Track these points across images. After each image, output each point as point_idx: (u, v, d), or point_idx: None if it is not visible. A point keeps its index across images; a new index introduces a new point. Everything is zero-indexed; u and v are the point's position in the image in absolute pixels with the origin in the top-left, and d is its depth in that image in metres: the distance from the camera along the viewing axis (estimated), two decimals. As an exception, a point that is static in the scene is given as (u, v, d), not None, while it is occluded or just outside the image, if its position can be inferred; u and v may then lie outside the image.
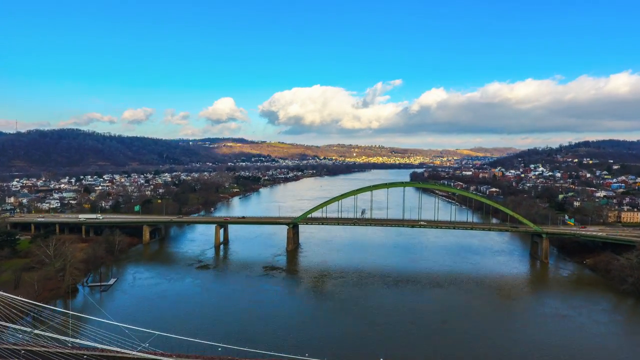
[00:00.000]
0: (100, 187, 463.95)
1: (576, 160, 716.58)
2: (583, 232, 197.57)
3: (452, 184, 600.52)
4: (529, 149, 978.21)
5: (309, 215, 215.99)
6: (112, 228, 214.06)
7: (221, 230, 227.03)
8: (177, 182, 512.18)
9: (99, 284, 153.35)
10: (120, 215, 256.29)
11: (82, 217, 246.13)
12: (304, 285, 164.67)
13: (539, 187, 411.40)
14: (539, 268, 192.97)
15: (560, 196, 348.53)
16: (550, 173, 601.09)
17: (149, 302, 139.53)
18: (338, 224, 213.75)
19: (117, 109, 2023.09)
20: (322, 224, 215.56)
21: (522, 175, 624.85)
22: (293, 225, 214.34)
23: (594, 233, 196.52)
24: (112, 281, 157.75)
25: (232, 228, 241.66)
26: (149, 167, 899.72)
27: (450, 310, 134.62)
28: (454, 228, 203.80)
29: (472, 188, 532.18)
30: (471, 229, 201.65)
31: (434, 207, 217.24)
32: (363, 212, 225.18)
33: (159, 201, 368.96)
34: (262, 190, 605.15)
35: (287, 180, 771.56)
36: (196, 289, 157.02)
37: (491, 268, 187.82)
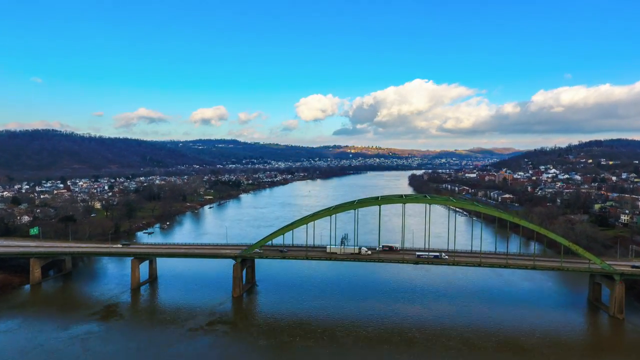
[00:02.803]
0: (45, 196, 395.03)
1: (590, 160, 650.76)
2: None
3: (456, 188, 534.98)
4: (535, 149, 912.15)
5: (269, 242, 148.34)
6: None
7: (143, 266, 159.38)
8: (140, 188, 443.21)
9: None
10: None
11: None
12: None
13: (564, 193, 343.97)
14: (608, 327, 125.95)
15: (597, 206, 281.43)
16: (567, 175, 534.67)
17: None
18: (307, 258, 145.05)
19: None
20: (284, 259, 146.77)
21: (534, 178, 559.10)
22: (242, 259, 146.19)
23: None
24: None
25: (166, 261, 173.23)
26: (128, 170, 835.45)
27: None
28: (480, 265, 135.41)
29: (480, 193, 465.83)
30: (505, 265, 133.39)
31: (438, 221, 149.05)
32: (345, 238, 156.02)
33: (106, 213, 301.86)
34: (244, 196, 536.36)
35: (273, 184, 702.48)
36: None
37: (529, 324, 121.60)
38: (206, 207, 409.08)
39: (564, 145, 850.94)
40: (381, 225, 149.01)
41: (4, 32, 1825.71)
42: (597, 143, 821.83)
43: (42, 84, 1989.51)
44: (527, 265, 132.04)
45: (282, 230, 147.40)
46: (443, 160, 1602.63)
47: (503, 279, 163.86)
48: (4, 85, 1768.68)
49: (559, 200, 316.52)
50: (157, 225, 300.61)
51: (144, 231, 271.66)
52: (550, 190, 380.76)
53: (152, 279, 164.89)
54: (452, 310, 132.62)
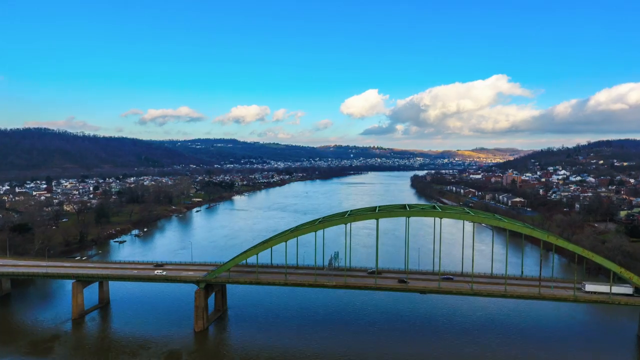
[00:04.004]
0: (20, 198, 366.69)
1: (602, 161, 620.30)
2: None
3: (461, 190, 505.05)
4: (542, 150, 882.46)
5: (243, 261, 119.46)
6: None
7: (92, 289, 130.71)
8: (121, 190, 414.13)
9: None
10: None
11: None
12: None
13: (581, 198, 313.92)
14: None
15: (623, 213, 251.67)
16: (579, 177, 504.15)
17: None
18: (286, 285, 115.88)
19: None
20: (258, 284, 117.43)
21: (543, 179, 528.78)
22: (207, 285, 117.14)
23: None
24: None
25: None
26: (121, 170, 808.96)
27: None
28: (504, 296, 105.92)
29: (487, 197, 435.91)
30: (539, 297, 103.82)
31: (445, 230, 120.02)
32: (334, 258, 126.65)
33: (82, 217, 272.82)
34: (237, 198, 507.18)
35: (269, 185, 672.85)
36: None
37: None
38: (193, 211, 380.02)
39: (571, 146, 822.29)
40: (379, 240, 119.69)
41: (61, 34, 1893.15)
42: (607, 143, 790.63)
43: (66, 83, 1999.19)
44: (567, 297, 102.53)
45: (256, 249, 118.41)
46: (446, 161, 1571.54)
47: (529, 305, 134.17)
48: (32, 83, 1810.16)
49: (577, 206, 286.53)
50: (135, 231, 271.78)
51: (116, 239, 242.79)
52: (566, 193, 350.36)
53: (103, 304, 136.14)
54: (466, 348, 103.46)
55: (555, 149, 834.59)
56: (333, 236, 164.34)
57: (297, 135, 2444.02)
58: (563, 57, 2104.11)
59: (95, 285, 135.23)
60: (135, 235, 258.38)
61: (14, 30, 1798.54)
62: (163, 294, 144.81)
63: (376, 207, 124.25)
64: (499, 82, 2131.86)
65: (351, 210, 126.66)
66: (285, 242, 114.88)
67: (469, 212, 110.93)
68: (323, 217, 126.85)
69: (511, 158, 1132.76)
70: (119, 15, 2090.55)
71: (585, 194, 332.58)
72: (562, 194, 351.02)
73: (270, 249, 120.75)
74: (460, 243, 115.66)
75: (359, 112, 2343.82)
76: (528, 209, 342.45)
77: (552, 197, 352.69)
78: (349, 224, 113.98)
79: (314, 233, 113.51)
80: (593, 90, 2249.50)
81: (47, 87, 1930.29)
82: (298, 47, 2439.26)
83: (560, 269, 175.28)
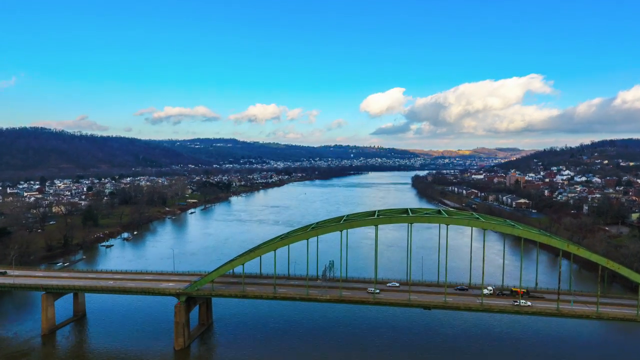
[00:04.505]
0: (9, 199, 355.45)
1: (606, 161, 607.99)
2: None
3: (464, 191, 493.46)
4: (545, 150, 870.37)
5: (230, 271, 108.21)
6: None
7: (65, 300, 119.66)
8: (114, 191, 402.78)
9: None
10: None
11: None
12: None
13: (589, 199, 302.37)
14: None
15: (635, 216, 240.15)
16: (584, 177, 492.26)
17: None
18: (275, 298, 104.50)
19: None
20: (244, 297, 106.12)
21: (547, 180, 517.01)
22: (188, 298, 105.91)
23: None
24: None
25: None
26: (119, 170, 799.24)
27: None
28: (520, 312, 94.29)
29: (491, 197, 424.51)
30: (557, 313, 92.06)
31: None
32: (328, 268, 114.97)
33: (69, 220, 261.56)
34: (234, 199, 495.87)
35: (267, 185, 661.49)
36: None
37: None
38: (188, 212, 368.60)
39: (574, 145, 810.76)
40: (378, 248, 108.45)
41: (72, 26, 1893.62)
42: (611, 143, 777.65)
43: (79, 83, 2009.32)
44: (589, 314, 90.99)
45: (242, 258, 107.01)
46: (446, 161, 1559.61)
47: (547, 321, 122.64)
48: (44, 82, 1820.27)
49: (585, 208, 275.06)
50: (125, 234, 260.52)
51: (103, 244, 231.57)
52: (573, 195, 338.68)
53: (78, 316, 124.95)
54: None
55: (558, 149, 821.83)
56: (330, 239, 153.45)
57: (306, 135, 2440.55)
58: (598, 53, 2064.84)
59: (71, 296, 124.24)
60: (124, 239, 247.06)
61: (33, 28, 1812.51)
62: (146, 305, 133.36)
63: (375, 211, 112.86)
64: (532, 81, 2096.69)
65: (348, 215, 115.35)
66: (274, 250, 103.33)
67: (478, 218, 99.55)
68: (317, 223, 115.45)
69: (513, 158, 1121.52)
70: (139, 16, 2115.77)
71: (593, 195, 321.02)
72: (569, 195, 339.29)
73: (259, 257, 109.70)
74: (467, 250, 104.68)
75: (379, 110, 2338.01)
76: (533, 211, 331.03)
77: (558, 198, 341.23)
78: (345, 231, 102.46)
79: (306, 241, 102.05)
80: (621, 89, 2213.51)
81: (62, 86, 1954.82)
82: (321, 42, 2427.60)
83: (573, 278, 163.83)
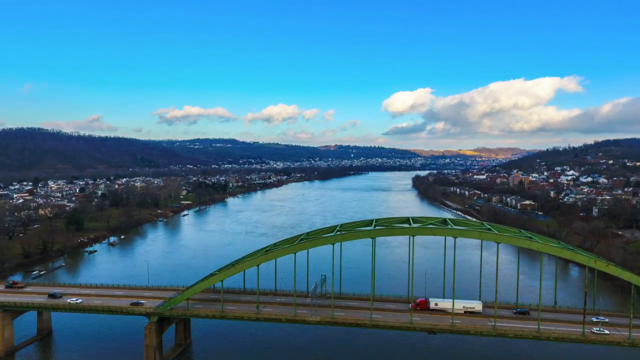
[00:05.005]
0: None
1: (611, 161, 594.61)
2: None
3: (466, 192, 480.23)
4: (547, 149, 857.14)
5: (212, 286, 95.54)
6: None
7: (28, 317, 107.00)
8: (105, 192, 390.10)
9: None
10: None
11: None
12: None
13: (599, 201, 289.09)
14: None
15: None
16: (590, 178, 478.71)
17: None
18: (258, 320, 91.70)
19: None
20: (223, 318, 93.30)
21: (551, 180, 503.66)
22: (160, 319, 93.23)
23: None
24: None
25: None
26: (116, 170, 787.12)
27: None
28: (539, 338, 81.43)
29: (494, 199, 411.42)
30: (584, 339, 79.27)
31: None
32: (320, 284, 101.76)
33: (54, 223, 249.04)
34: (230, 200, 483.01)
35: (265, 186, 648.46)
36: None
37: None
38: (181, 215, 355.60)
39: (577, 145, 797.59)
40: (375, 261, 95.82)
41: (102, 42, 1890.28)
42: (615, 142, 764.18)
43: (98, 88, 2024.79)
44: (621, 341, 78.17)
45: (222, 274, 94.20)
46: (447, 161, 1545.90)
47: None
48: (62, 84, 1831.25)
49: (595, 210, 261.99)
50: (113, 238, 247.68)
51: (86, 249, 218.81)
52: (581, 196, 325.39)
53: (43, 335, 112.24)
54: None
55: (561, 149, 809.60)
56: (322, 249, 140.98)
57: (317, 136, 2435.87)
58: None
59: (32, 314, 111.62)
60: (109, 244, 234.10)
61: (51, 33, 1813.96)
62: (119, 322, 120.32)
63: (372, 220, 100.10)
64: (564, 80, 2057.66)
65: (341, 225, 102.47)
66: (257, 265, 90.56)
67: (490, 230, 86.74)
68: (307, 233, 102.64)
69: (514, 158, 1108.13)
70: (162, 21, 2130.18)
71: (602, 197, 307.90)
72: (576, 196, 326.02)
73: (243, 271, 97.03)
74: (472, 260, 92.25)
75: (402, 109, 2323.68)
76: (539, 213, 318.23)
77: (565, 199, 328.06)
78: (336, 244, 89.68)
79: (293, 255, 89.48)
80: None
81: (77, 89, 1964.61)
82: (343, 40, 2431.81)
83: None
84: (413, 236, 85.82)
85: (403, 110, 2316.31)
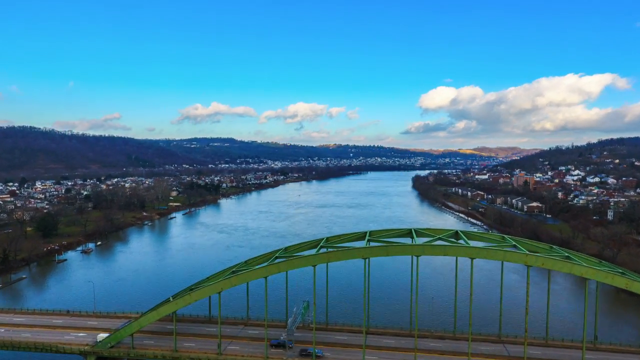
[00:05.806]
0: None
1: (617, 160, 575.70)
2: None
3: (468, 192, 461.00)
4: (550, 148, 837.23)
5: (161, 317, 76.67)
6: None
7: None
8: (90, 194, 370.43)
9: None
10: None
11: None
12: None
13: (612, 203, 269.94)
14: None
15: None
16: (597, 178, 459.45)
17: None
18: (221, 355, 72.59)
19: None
20: (175, 359, 74.28)
21: (556, 180, 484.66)
22: (100, 357, 73.94)
23: None
24: None
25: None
26: (108, 170, 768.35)
27: None
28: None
29: (498, 200, 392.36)
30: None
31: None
32: (300, 312, 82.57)
33: (29, 229, 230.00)
34: (223, 201, 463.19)
35: (260, 186, 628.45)
36: None
37: None
38: (168, 218, 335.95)
39: (582, 144, 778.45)
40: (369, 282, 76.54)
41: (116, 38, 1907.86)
42: (619, 141, 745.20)
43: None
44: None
45: (175, 303, 74.76)
46: (447, 160, 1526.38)
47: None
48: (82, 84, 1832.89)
49: (610, 214, 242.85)
50: (90, 244, 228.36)
51: (56, 257, 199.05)
52: (592, 198, 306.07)
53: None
54: None
55: (564, 148, 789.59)
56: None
57: (333, 135, 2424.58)
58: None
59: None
60: (83, 252, 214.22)
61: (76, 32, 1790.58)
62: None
63: (366, 233, 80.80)
64: (610, 77, 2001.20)
65: (327, 238, 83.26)
66: (219, 293, 71.36)
67: (517, 248, 67.46)
68: (285, 248, 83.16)
69: (516, 157, 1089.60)
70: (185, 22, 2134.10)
71: (614, 199, 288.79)
72: (587, 198, 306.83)
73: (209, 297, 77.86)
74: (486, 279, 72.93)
75: (434, 106, 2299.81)
76: (548, 216, 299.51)
77: (575, 201, 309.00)
78: (320, 265, 70.38)
79: (264, 279, 70.12)
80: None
81: (99, 88, 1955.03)
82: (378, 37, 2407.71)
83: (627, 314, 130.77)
84: (418, 256, 66.66)
85: (439, 106, 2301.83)
